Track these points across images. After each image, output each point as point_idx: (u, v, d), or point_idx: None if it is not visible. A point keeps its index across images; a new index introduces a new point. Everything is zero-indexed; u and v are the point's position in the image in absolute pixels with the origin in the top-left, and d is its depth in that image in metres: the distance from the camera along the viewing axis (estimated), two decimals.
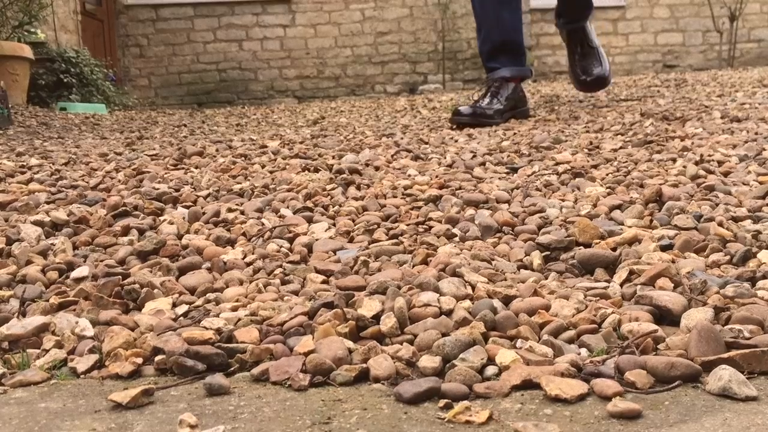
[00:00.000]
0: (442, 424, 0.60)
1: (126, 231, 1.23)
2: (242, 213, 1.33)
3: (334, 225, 1.24)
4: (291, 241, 1.17)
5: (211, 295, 0.93)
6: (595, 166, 1.62)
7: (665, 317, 0.80)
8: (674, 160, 1.61)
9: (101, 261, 1.10)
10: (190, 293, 0.97)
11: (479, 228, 1.18)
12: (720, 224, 1.08)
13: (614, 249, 1.04)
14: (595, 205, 1.26)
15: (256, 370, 0.72)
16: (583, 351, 0.73)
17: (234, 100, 7.97)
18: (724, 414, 0.60)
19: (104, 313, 0.87)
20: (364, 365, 0.71)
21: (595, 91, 3.21)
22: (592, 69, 2.94)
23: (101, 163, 1.98)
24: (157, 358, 0.75)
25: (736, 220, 1.13)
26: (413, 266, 1.02)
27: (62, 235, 1.21)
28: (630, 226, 1.13)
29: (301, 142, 2.24)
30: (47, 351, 0.79)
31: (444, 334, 0.75)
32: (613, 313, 0.79)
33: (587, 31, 2.97)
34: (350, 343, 0.75)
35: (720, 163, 1.55)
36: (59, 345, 0.80)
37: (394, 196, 1.41)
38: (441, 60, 7.89)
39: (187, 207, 1.38)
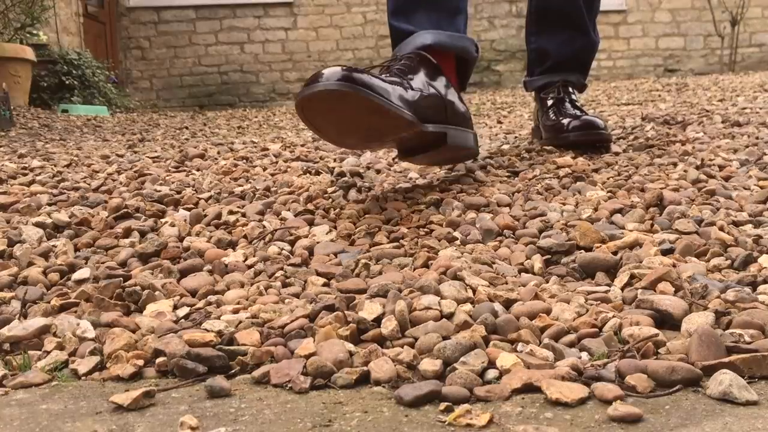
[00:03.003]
0: (442, 427, 0.60)
1: (127, 233, 1.23)
2: (243, 215, 1.33)
3: (335, 228, 1.24)
4: (292, 243, 1.17)
5: (212, 298, 0.93)
6: (596, 170, 1.61)
7: (666, 321, 0.80)
8: (675, 165, 1.61)
9: (102, 263, 1.10)
10: (191, 295, 0.97)
11: (480, 231, 1.18)
12: (721, 228, 1.08)
13: (615, 253, 1.04)
14: (596, 209, 1.26)
15: (257, 373, 0.72)
16: (584, 355, 0.73)
17: (235, 102, 7.99)
18: (724, 418, 0.60)
19: (105, 314, 0.87)
20: (365, 368, 0.71)
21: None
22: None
23: (103, 165, 1.98)
24: (158, 360, 0.75)
25: (737, 224, 1.13)
26: (414, 269, 1.02)
27: (64, 237, 1.21)
28: (631, 230, 1.13)
29: (302, 145, 2.24)
30: (48, 353, 0.79)
31: (445, 338, 0.75)
32: (613, 317, 0.79)
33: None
34: (351, 346, 0.76)
35: (721, 167, 1.55)
36: (60, 347, 0.81)
37: (396, 200, 1.41)
38: None
39: (189, 209, 1.38)
